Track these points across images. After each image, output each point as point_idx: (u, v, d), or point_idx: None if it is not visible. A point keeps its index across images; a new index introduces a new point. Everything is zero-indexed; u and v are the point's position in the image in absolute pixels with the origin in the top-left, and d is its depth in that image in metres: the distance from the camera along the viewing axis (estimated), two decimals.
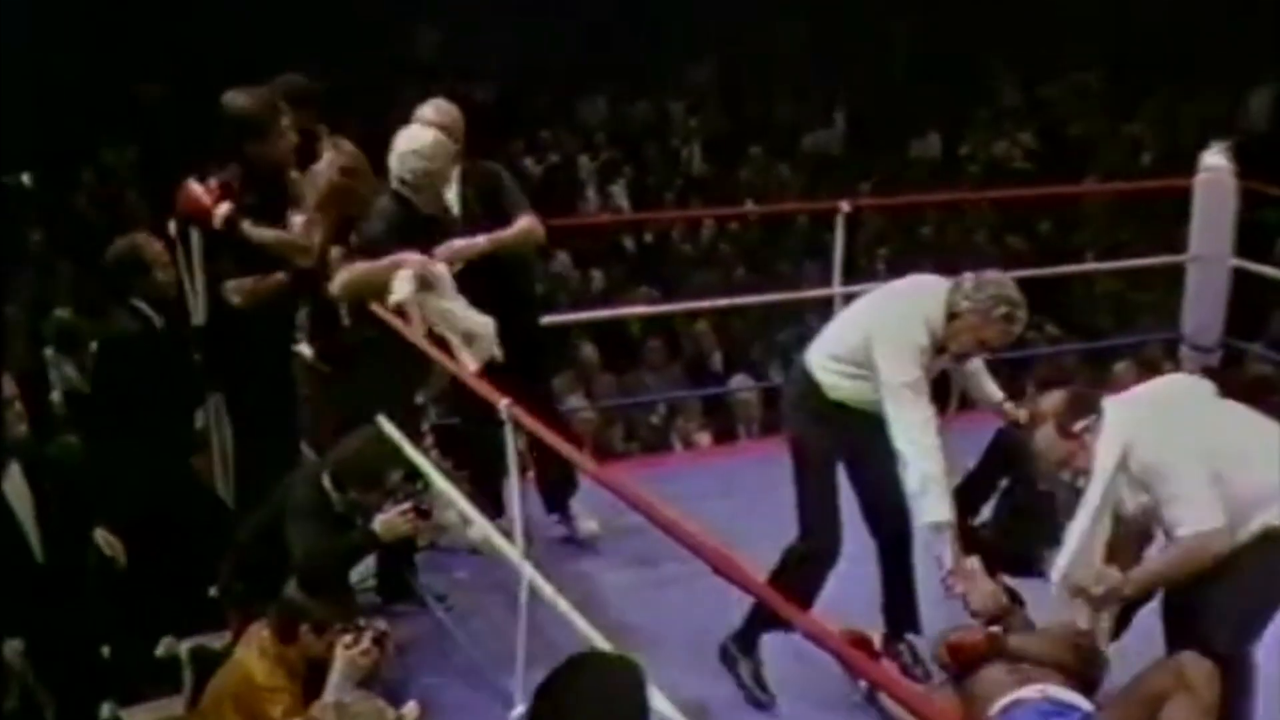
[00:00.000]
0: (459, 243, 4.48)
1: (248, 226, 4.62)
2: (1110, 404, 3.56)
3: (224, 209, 4.62)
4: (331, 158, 4.74)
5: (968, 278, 3.90)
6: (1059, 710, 3.59)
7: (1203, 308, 6.34)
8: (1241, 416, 3.61)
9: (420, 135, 4.47)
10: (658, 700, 3.31)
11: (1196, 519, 3.36)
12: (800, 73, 13.17)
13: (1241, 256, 6.25)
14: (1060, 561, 3.60)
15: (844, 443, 3.99)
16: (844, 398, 3.97)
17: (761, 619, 3.94)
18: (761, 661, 4.04)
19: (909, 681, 3.94)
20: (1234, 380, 6.77)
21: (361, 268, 4.44)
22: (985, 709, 3.68)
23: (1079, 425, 3.53)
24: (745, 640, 4.05)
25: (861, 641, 4.02)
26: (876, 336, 3.86)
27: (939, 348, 3.89)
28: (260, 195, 4.64)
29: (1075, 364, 8.24)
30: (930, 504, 3.73)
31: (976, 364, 4.23)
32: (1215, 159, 6.18)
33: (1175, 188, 6.44)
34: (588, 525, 4.95)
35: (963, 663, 3.72)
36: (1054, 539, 3.96)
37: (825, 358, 4.01)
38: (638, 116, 12.94)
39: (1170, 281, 6.51)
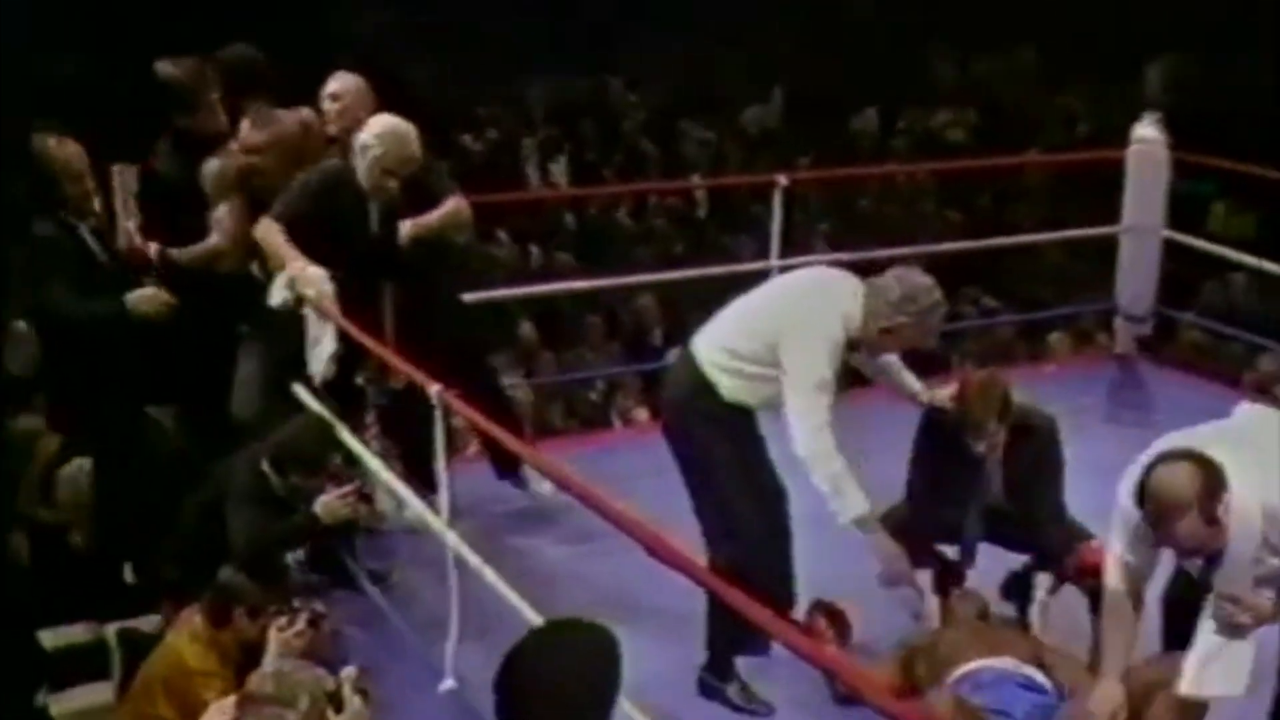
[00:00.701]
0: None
1: (176, 254, 4.55)
2: (1230, 469, 3.02)
3: (153, 250, 4.54)
4: (242, 137, 4.66)
5: (890, 286, 3.74)
6: (1037, 688, 3.60)
7: (1136, 278, 6.41)
8: None
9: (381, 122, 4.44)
10: None
11: None
12: (738, 48, 13.14)
13: (1173, 228, 6.32)
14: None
15: (733, 447, 3.75)
16: (742, 399, 3.75)
17: (724, 642, 3.86)
18: (743, 680, 3.91)
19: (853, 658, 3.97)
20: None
21: (272, 241, 4.35)
22: (946, 670, 3.70)
23: (1221, 507, 3.00)
24: (719, 667, 3.92)
25: (831, 613, 4.04)
26: (789, 332, 3.68)
27: (852, 345, 3.77)
28: (189, 172, 4.56)
29: (1011, 336, 8.35)
30: (847, 502, 3.64)
31: (889, 356, 4.08)
32: (1147, 131, 6.23)
33: (1108, 160, 6.49)
34: (541, 486, 4.90)
35: None
36: (976, 511, 4.05)
37: (721, 353, 3.76)
38: (577, 93, 12.88)
39: (1106, 253, 6.56)
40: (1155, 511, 3.03)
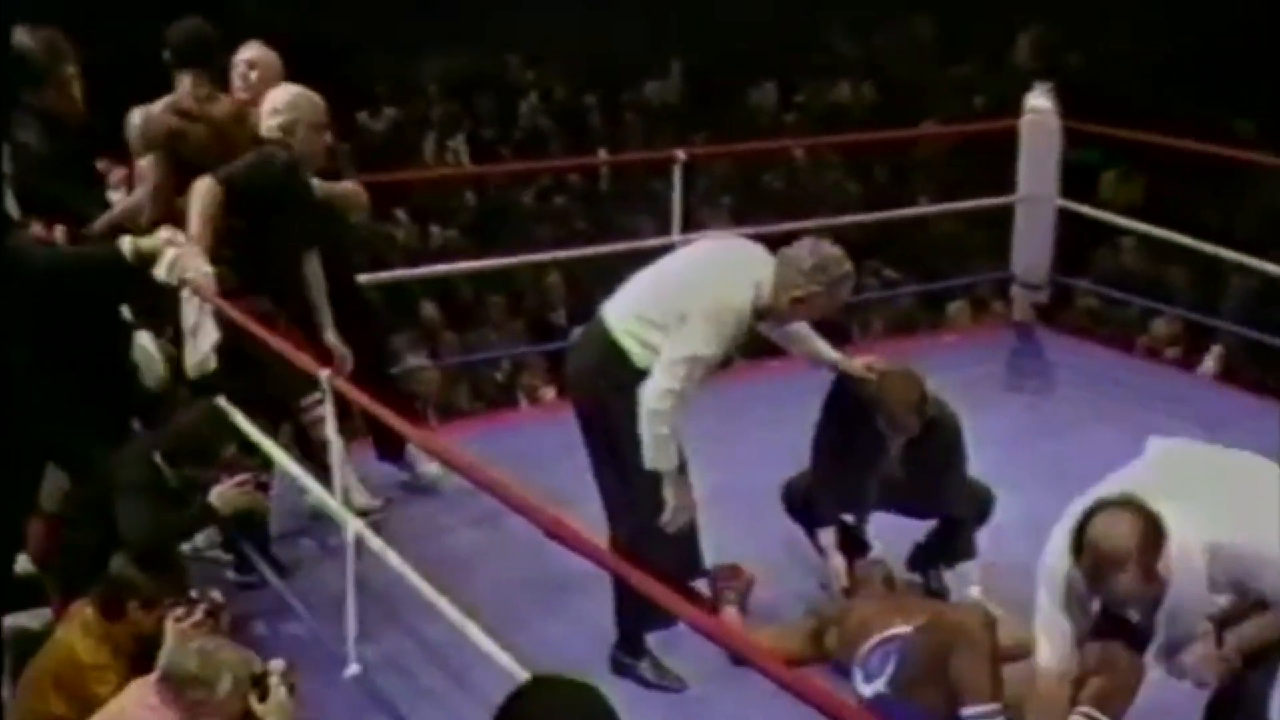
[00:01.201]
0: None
1: (89, 230, 4.35)
2: (1169, 514, 2.91)
3: (59, 233, 4.33)
4: (176, 98, 4.49)
5: (802, 255, 3.75)
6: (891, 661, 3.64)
7: (1031, 247, 6.49)
8: (1246, 463, 3.17)
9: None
10: (501, 655, 3.31)
11: None
12: (637, 22, 13.10)
13: (1066, 196, 6.41)
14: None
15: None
16: (652, 367, 3.68)
17: (632, 618, 3.84)
18: (655, 656, 3.89)
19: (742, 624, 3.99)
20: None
21: (198, 205, 4.16)
22: (863, 636, 3.75)
23: (1161, 562, 2.88)
24: (629, 644, 3.90)
25: (729, 574, 4.05)
26: (702, 299, 3.66)
27: (760, 314, 3.78)
28: (57, 154, 4.38)
29: (912, 306, 8.44)
30: (658, 456, 3.64)
31: (795, 325, 4.08)
32: (1039, 100, 6.30)
33: (1003, 129, 6.56)
34: (428, 468, 4.88)
35: None
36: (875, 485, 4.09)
37: (634, 320, 3.72)
38: (475, 70, 12.75)
39: (1002, 222, 6.64)
40: (1093, 564, 2.89)
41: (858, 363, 4.15)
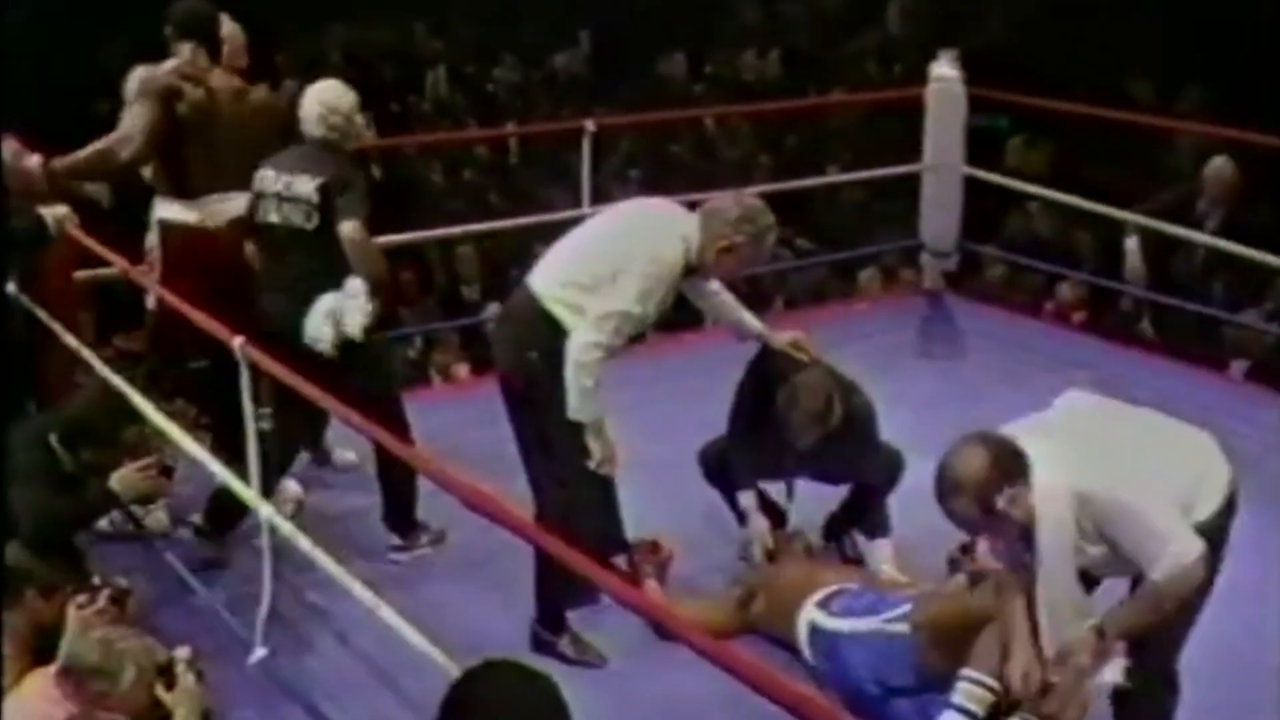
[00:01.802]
0: None
1: (56, 164, 4.34)
2: (1036, 456, 2.99)
3: (34, 161, 4.31)
4: (179, 64, 4.42)
5: (727, 206, 3.78)
6: (889, 601, 3.67)
7: (939, 215, 6.54)
8: (1149, 421, 3.24)
9: None
10: (414, 637, 3.26)
11: (1177, 551, 2.94)
12: None
13: (973, 163, 6.46)
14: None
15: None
16: None
17: (553, 595, 3.82)
18: (575, 632, 3.87)
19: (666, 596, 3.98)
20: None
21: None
22: (799, 599, 3.77)
23: (1003, 500, 2.96)
24: (550, 621, 3.88)
25: (651, 549, 4.03)
26: (637, 258, 3.65)
27: (689, 270, 3.80)
28: None
29: (824, 275, 8.47)
30: (583, 407, 3.64)
31: (720, 294, 4.11)
32: (944, 69, 6.34)
33: (908, 98, 6.59)
34: (344, 456, 4.87)
35: None
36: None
37: (562, 287, 3.69)
38: (379, 39, 12.55)
39: (910, 191, 6.68)
40: (937, 487, 3.01)
41: (782, 337, 4.15)
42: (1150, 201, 6.31)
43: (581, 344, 3.61)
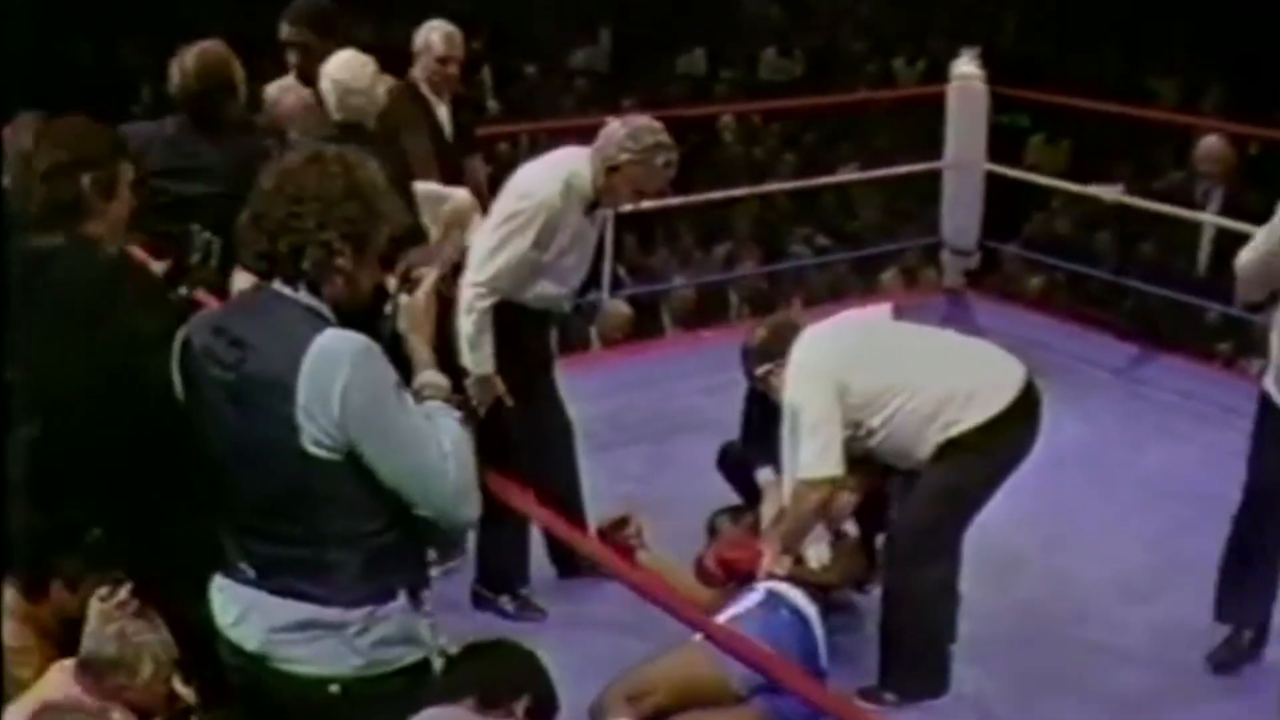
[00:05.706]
0: None
1: None
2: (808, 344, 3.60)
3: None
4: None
5: (616, 128, 3.74)
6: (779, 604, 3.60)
7: (960, 212, 6.52)
8: (923, 335, 3.79)
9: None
10: None
11: (805, 464, 3.46)
12: None
13: (993, 161, 6.43)
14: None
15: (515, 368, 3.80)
16: (516, 298, 3.78)
17: (493, 555, 3.89)
18: (517, 590, 3.95)
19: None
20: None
21: None
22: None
23: (761, 370, 3.66)
24: (490, 579, 3.95)
25: (618, 522, 4.01)
26: (509, 195, 3.73)
27: (591, 205, 3.77)
28: None
29: (845, 273, 8.45)
30: (475, 358, 3.70)
31: None
32: (966, 67, 6.31)
33: (930, 95, 6.56)
34: None
35: (732, 576, 3.70)
36: None
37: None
38: (398, 40, 12.55)
39: (932, 188, 6.66)
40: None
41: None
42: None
43: (464, 286, 3.70)
